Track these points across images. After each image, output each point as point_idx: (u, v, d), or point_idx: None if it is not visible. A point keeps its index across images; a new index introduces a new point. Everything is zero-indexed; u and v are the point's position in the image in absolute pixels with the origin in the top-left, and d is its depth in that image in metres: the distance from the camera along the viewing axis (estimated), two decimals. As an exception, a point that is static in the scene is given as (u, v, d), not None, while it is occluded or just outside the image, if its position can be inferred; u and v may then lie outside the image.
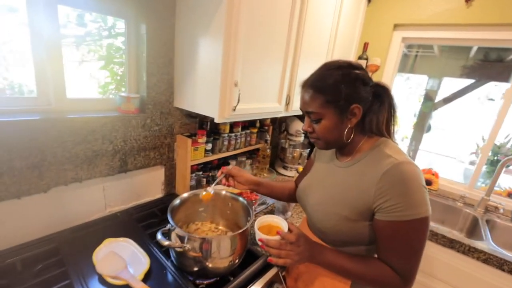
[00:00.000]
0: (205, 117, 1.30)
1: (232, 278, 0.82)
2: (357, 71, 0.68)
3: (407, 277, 0.64)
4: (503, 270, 1.13)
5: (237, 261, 0.82)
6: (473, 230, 1.51)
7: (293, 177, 1.74)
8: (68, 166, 0.92)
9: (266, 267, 0.90)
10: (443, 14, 1.62)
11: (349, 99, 0.66)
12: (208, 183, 1.39)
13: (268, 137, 1.60)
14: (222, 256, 0.78)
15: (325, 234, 0.75)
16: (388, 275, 0.65)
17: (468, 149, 3.88)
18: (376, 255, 0.72)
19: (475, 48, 2.72)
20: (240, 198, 0.96)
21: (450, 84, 3.52)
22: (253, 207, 0.92)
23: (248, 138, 1.54)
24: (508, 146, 2.53)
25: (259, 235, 0.67)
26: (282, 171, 1.78)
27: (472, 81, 3.25)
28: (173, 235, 0.78)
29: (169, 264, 0.83)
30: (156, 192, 1.27)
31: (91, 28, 1.09)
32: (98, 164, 1.00)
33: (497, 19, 1.48)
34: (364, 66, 1.94)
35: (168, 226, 0.79)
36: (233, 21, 0.92)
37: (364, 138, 0.72)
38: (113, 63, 1.22)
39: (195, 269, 0.77)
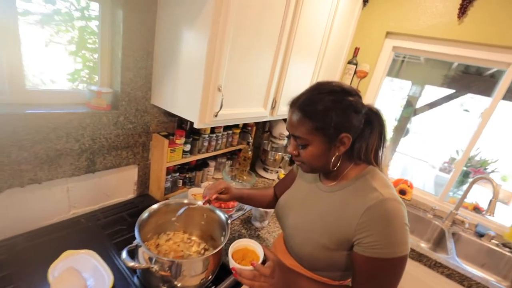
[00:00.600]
0: (185, 116, 1.23)
1: (202, 298, 0.78)
2: (350, 98, 0.65)
3: None
4: (463, 285, 1.18)
5: (210, 277, 0.79)
6: (439, 241, 1.58)
7: (273, 180, 1.72)
8: (25, 166, 0.82)
9: (240, 283, 0.88)
10: (435, 27, 1.62)
11: (339, 127, 0.64)
12: (185, 184, 1.33)
13: (251, 139, 1.55)
14: (193, 274, 0.74)
15: (301, 259, 0.73)
16: None
17: (440, 154, 4.06)
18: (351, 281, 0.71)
19: (458, 60, 2.78)
20: (217, 211, 0.92)
21: (431, 92, 3.63)
22: (229, 221, 0.87)
23: (230, 139, 1.49)
24: (477, 158, 2.66)
25: (232, 263, 0.64)
26: (262, 173, 1.75)
27: (452, 91, 3.35)
28: (140, 252, 0.72)
29: (135, 280, 0.77)
30: (127, 193, 1.20)
31: (60, 7, 0.96)
32: (62, 164, 0.91)
33: (486, 39, 1.50)
34: (353, 71, 1.92)
35: (136, 242, 0.73)
36: (222, 17, 0.83)
37: (351, 165, 0.70)
38: (85, 49, 1.09)
39: (163, 288, 0.73)
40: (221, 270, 0.89)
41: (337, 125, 0.63)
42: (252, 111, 1.18)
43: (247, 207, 1.33)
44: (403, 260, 0.60)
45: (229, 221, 0.88)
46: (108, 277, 0.74)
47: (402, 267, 0.61)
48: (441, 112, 4.13)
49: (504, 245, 1.49)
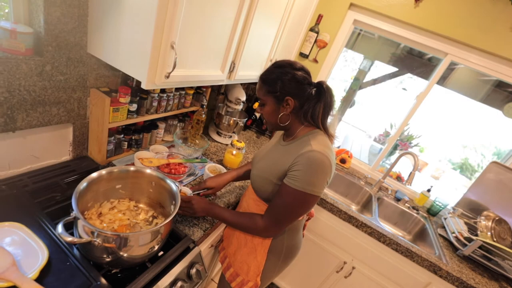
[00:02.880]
0: (131, 72, 1.08)
1: (150, 265, 0.78)
2: (297, 72, 0.84)
3: (268, 227, 0.87)
4: (380, 241, 1.43)
5: (157, 247, 0.78)
6: (367, 204, 1.84)
7: (227, 145, 1.71)
8: None
9: (187, 249, 0.90)
10: (395, 7, 1.66)
11: (283, 92, 0.84)
12: (130, 147, 1.23)
13: (205, 101, 1.47)
14: (141, 244, 0.72)
15: (259, 192, 0.95)
16: (254, 223, 0.88)
17: (377, 125, 4.54)
18: None
19: (406, 41, 2.96)
20: (167, 180, 0.88)
21: (378, 67, 3.88)
22: (179, 190, 0.85)
23: (182, 100, 1.38)
24: (406, 133, 3.05)
25: None
26: (216, 137, 1.71)
27: (395, 69, 3.64)
28: (80, 224, 0.66)
29: (74, 252, 0.72)
30: (62, 154, 1.05)
31: None
32: (-34, 120, 0.73)
33: (433, 27, 1.61)
34: (313, 39, 1.90)
35: (73, 214, 0.67)
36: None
37: (301, 126, 0.89)
38: (-13, -36, 0.83)
39: (107, 259, 0.70)
40: (171, 235, 0.89)
41: (282, 90, 0.84)
42: (209, 73, 1.09)
43: (199, 171, 1.31)
44: (307, 197, 0.79)
45: (180, 189, 0.85)
46: (41, 251, 0.67)
47: (303, 203, 0.81)
48: (382, 87, 4.51)
49: (413, 208, 1.81)
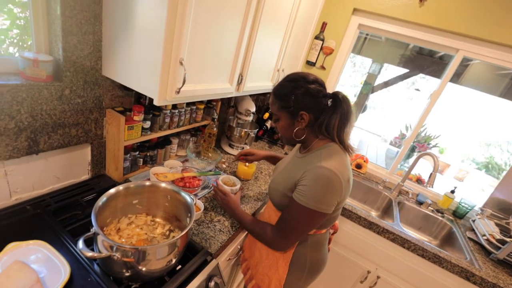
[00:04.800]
0: (144, 90, 1.12)
1: (168, 279, 0.78)
2: (310, 85, 0.83)
3: (274, 239, 0.87)
4: (404, 247, 1.37)
5: (175, 260, 0.78)
6: (387, 210, 1.77)
7: (239, 156, 1.72)
8: None
9: (205, 262, 0.89)
10: (399, 8, 1.66)
11: (297, 106, 0.84)
12: (146, 163, 1.26)
13: (216, 115, 1.50)
14: (158, 258, 0.73)
15: (275, 203, 0.96)
16: (265, 233, 0.90)
17: (392, 129, 4.42)
18: None
19: (414, 41, 2.93)
20: (182, 193, 0.89)
21: (389, 71, 3.83)
22: (194, 202, 0.86)
23: (194, 115, 1.42)
24: (423, 134, 2.95)
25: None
26: (228, 149, 1.73)
27: (406, 70, 3.58)
28: (99, 240, 0.68)
29: (95, 268, 0.74)
30: (81, 174, 1.09)
31: None
32: (-5, 146, 0.78)
33: (441, 25, 1.58)
34: (319, 47, 1.92)
35: (93, 229, 0.69)
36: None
37: (316, 139, 0.88)
38: (12, 3, 0.90)
39: (126, 274, 0.71)
40: (188, 249, 0.89)
41: (296, 105, 0.83)
42: (218, 86, 1.12)
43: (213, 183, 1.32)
44: (313, 214, 0.78)
45: (194, 202, 0.86)
46: (64, 267, 0.69)
47: (306, 217, 0.80)
48: (395, 90, 4.44)
49: (438, 211, 1.73)
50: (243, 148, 1.75)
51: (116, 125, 1.03)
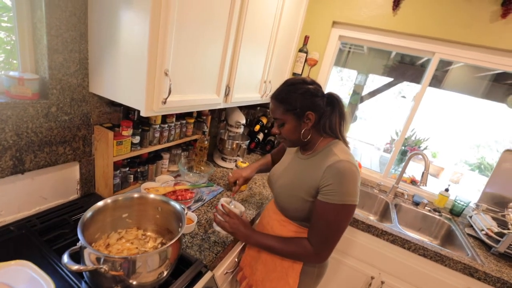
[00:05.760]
0: (132, 106, 1.13)
1: (160, 292, 0.74)
2: (310, 86, 0.85)
3: (319, 250, 0.82)
4: (405, 248, 1.34)
5: (167, 272, 0.75)
6: (385, 213, 1.75)
7: (231, 169, 1.71)
8: None
9: (200, 273, 0.86)
10: (375, 18, 1.75)
11: (303, 107, 0.84)
12: (136, 179, 1.24)
13: (206, 128, 1.51)
14: (149, 270, 0.70)
15: (287, 211, 0.92)
16: (303, 248, 0.83)
17: (384, 137, 4.49)
18: None
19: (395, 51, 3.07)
20: (171, 202, 0.87)
21: (374, 80, 3.96)
22: (185, 212, 0.84)
23: (184, 129, 1.42)
24: (413, 138, 3.00)
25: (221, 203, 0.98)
26: (220, 162, 1.72)
27: (391, 79, 3.70)
28: (86, 254, 0.65)
29: (82, 286, 0.70)
30: (69, 193, 1.07)
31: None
32: (-22, 165, 0.77)
33: (415, 30, 1.67)
34: (304, 59, 1.99)
35: (79, 243, 0.66)
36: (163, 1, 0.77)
37: (320, 138, 0.89)
38: (-2, 28, 0.93)
39: (115, 289, 0.67)
40: (180, 261, 0.86)
41: (302, 105, 0.84)
42: (205, 97, 1.13)
43: (206, 197, 1.30)
44: (348, 208, 0.77)
45: (186, 213, 0.84)
46: (47, 285, 0.65)
47: (346, 215, 0.78)
48: (382, 99, 4.56)
49: (435, 210, 1.72)
50: (235, 160, 1.75)
51: (105, 141, 1.03)
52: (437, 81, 2.98)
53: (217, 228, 1.03)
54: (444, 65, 2.90)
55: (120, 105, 1.11)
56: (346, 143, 0.89)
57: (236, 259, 1.17)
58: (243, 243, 1.18)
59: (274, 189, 0.98)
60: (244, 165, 1.45)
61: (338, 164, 0.77)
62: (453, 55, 1.67)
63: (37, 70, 0.89)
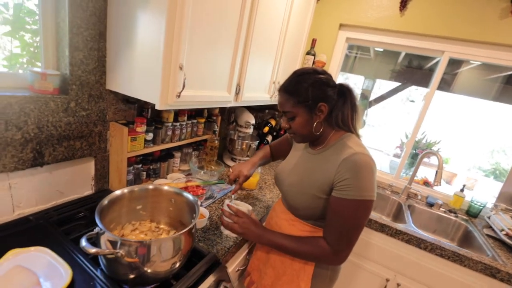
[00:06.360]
0: (146, 103, 1.16)
1: (175, 282, 0.74)
2: (321, 76, 0.80)
3: (337, 249, 0.76)
4: (421, 248, 1.30)
5: (180, 262, 0.75)
6: (398, 214, 1.71)
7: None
8: (-48, 158, 0.71)
9: (213, 265, 0.85)
10: (382, 19, 1.77)
11: (315, 99, 0.78)
12: (149, 177, 1.26)
13: (217, 128, 1.53)
14: (163, 259, 0.70)
15: (298, 210, 0.86)
16: (320, 247, 0.77)
17: (393, 143, 4.44)
18: None
19: (402, 55, 3.07)
20: (184, 193, 0.88)
21: (382, 85, 3.95)
22: (198, 202, 0.85)
23: (195, 129, 1.45)
24: (424, 141, 2.96)
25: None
26: (230, 163, 1.73)
27: (398, 84, 3.69)
28: (102, 240, 0.66)
29: (98, 273, 0.71)
30: (84, 189, 1.09)
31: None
32: (1, 157, 0.80)
33: (423, 30, 1.68)
34: (311, 62, 2.01)
35: (96, 229, 0.67)
36: (179, 2, 0.81)
37: (332, 131, 0.84)
38: (24, 30, 0.98)
39: (131, 276, 0.68)
40: (193, 254, 0.86)
41: (314, 97, 0.78)
42: (217, 94, 1.16)
43: (217, 195, 1.31)
44: (366, 203, 0.71)
45: (198, 202, 0.85)
46: (65, 271, 0.66)
47: (364, 211, 0.72)
48: (390, 105, 4.53)
49: (450, 211, 1.67)
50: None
51: (120, 137, 1.05)
52: (446, 85, 2.96)
53: (226, 232, 1.01)
54: (453, 68, 2.88)
55: (134, 102, 1.14)
56: (358, 136, 0.84)
57: (247, 257, 1.16)
58: (251, 245, 1.16)
59: (283, 188, 0.93)
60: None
61: (354, 157, 0.72)
62: (462, 53, 1.66)
63: (58, 67, 0.93)
